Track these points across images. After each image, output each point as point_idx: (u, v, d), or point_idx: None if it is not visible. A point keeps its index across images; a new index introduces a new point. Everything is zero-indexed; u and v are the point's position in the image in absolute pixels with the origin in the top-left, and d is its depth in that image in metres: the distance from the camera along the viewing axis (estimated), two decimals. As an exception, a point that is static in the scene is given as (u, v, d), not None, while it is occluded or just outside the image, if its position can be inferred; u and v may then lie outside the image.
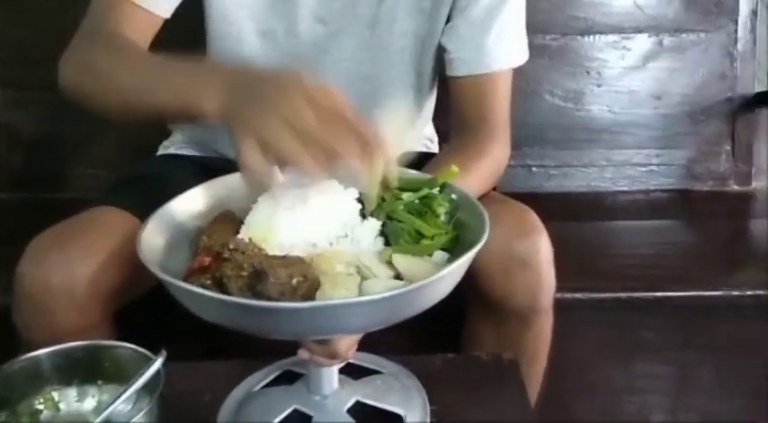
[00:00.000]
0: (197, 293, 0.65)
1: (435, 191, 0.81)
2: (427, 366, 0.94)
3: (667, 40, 1.69)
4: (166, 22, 1.04)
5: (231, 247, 0.71)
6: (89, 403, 0.80)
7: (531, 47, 1.15)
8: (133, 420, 0.69)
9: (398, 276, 0.73)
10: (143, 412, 0.70)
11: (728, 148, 1.72)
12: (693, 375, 1.37)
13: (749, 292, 1.28)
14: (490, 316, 1.04)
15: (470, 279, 0.83)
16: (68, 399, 0.79)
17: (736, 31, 1.69)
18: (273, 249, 0.74)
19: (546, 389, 1.12)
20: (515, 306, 1.00)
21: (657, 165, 1.72)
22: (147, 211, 0.78)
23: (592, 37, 1.68)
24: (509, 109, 1.13)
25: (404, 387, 0.89)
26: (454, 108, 1.13)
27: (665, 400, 1.39)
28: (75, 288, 0.90)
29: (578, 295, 1.26)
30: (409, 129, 1.13)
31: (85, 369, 0.80)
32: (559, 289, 1.02)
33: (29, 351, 0.80)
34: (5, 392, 0.76)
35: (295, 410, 0.84)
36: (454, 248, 0.76)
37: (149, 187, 1.02)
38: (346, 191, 0.81)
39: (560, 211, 1.54)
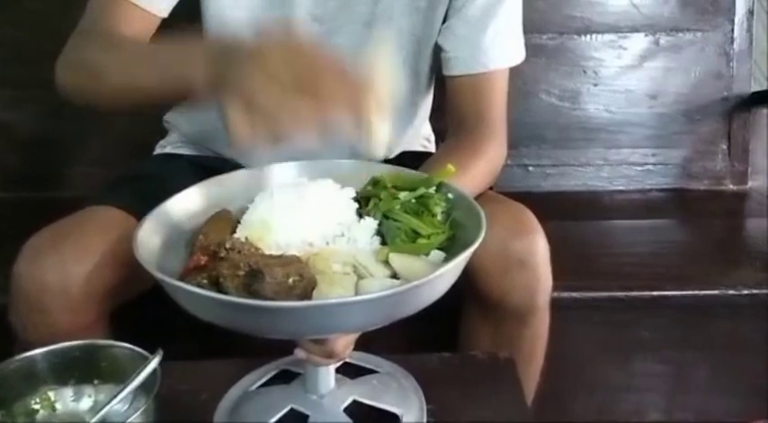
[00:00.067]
0: (193, 293, 0.65)
1: (432, 190, 0.81)
2: (424, 365, 0.94)
3: (664, 39, 1.69)
4: (164, 21, 1.04)
5: (227, 246, 0.71)
6: (85, 403, 0.80)
7: (528, 46, 1.15)
8: (129, 420, 0.69)
9: (395, 276, 0.73)
10: (139, 412, 0.70)
11: (725, 147, 1.72)
12: (690, 374, 1.38)
13: (745, 291, 1.28)
14: (487, 315, 1.04)
15: (467, 278, 0.83)
16: (64, 398, 0.79)
17: (732, 30, 1.69)
18: (270, 248, 0.74)
19: (543, 388, 1.12)
20: (512, 305, 1.00)
21: (654, 164, 1.72)
22: (143, 210, 0.78)
23: (588, 36, 1.68)
24: (506, 108, 1.13)
25: (400, 386, 0.89)
26: (451, 107, 1.14)
27: (661, 398, 1.39)
28: (72, 287, 0.90)
29: (575, 294, 1.26)
30: (396, 70, 1.11)
31: (82, 369, 0.80)
32: (556, 288, 1.03)
33: (25, 351, 0.80)
34: (1, 392, 0.76)
35: (292, 410, 0.84)
36: (451, 248, 0.76)
37: (146, 186, 1.02)
38: (343, 190, 0.81)
39: (557, 210, 1.54)
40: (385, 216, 0.78)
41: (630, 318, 1.32)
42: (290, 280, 0.67)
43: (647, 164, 1.72)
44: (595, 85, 1.70)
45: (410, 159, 1.08)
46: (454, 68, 1.11)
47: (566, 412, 1.37)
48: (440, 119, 1.22)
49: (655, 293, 1.29)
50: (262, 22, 1.06)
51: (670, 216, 1.63)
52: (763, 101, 1.71)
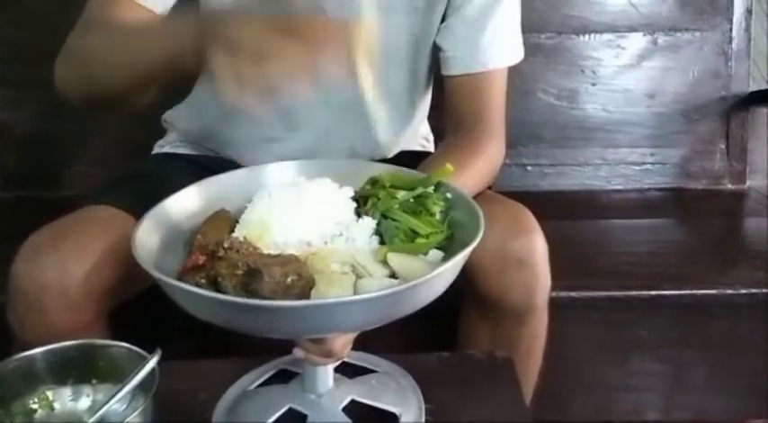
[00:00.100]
0: (192, 292, 0.65)
1: (430, 189, 0.81)
2: (422, 365, 0.94)
3: (662, 38, 1.69)
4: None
5: (226, 245, 0.71)
6: (84, 402, 0.79)
7: (526, 45, 1.15)
8: (128, 420, 0.69)
9: (393, 275, 0.73)
10: (138, 411, 0.70)
11: (723, 146, 1.72)
12: (688, 373, 1.38)
13: (743, 291, 1.28)
14: (485, 314, 1.04)
15: (465, 278, 0.83)
16: (63, 398, 0.79)
17: (730, 29, 1.69)
18: (268, 248, 0.74)
19: (541, 387, 1.12)
20: (510, 304, 1.00)
21: (652, 163, 1.72)
22: (141, 209, 0.78)
23: (586, 36, 1.68)
24: (504, 108, 1.13)
25: (399, 386, 0.89)
26: (449, 107, 1.14)
27: (659, 397, 1.40)
28: (70, 287, 0.90)
29: (573, 294, 1.26)
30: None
31: (80, 368, 0.79)
32: (554, 287, 1.03)
33: (23, 350, 0.79)
34: None
35: (290, 409, 0.84)
36: (449, 247, 0.76)
37: (144, 186, 1.02)
38: (341, 190, 0.81)
39: (555, 209, 1.54)
40: (383, 215, 0.78)
41: (629, 317, 1.32)
42: (289, 279, 0.67)
43: (645, 163, 1.72)
44: (593, 84, 1.70)
45: (408, 159, 1.08)
46: (453, 68, 1.12)
47: (564, 411, 1.38)
48: (438, 118, 1.23)
49: (653, 293, 1.29)
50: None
51: (668, 215, 1.63)
52: (761, 100, 1.71)
